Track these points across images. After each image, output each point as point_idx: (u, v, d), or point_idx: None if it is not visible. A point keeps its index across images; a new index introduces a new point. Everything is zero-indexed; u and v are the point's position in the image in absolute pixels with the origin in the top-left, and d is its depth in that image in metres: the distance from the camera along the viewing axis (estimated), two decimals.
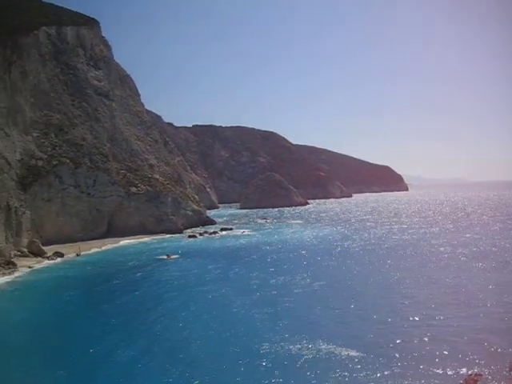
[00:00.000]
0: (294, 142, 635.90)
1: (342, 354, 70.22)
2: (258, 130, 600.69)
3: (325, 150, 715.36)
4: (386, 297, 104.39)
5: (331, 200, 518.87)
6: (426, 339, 74.26)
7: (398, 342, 73.65)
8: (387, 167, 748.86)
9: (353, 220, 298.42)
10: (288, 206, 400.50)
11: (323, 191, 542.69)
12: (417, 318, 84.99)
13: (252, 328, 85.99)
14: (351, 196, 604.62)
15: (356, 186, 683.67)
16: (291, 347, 74.41)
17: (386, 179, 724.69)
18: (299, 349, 73.57)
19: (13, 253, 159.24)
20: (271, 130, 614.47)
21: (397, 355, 68.10)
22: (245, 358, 70.77)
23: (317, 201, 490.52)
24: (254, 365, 68.16)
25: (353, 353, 70.21)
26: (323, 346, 73.95)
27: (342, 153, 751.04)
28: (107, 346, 79.68)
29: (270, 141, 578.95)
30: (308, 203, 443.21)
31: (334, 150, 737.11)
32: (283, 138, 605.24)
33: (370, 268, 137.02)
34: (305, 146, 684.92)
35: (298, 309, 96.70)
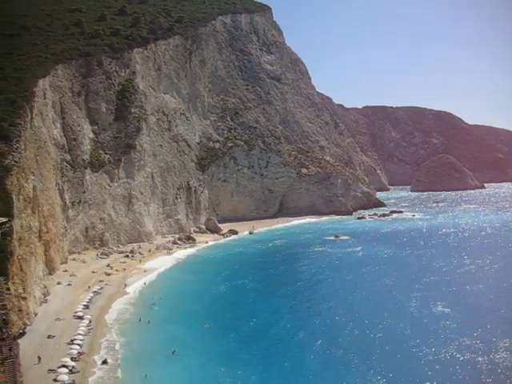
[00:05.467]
0: (471, 122, 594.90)
1: None
2: (431, 110, 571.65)
3: (504, 130, 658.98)
4: None
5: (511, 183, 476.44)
6: None
7: None
8: None
9: None
10: (462, 190, 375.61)
11: (501, 174, 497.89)
12: None
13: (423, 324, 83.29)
14: None
15: None
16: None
17: None
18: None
19: (192, 229, 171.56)
20: (445, 110, 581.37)
21: None
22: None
23: (494, 184, 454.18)
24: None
25: None
26: None
27: None
28: (277, 326, 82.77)
29: (444, 121, 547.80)
30: (484, 187, 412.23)
31: None
32: (458, 118, 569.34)
33: None
34: (482, 126, 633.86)
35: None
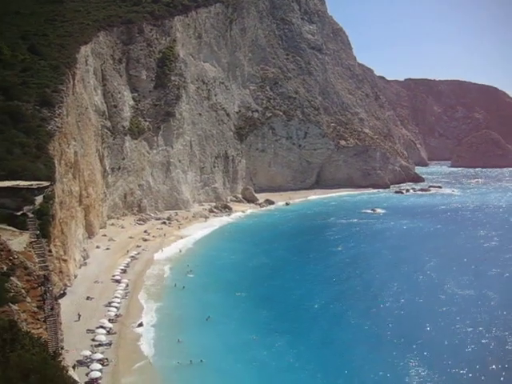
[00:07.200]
0: None
1: None
2: (475, 84, 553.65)
3: None
4: None
5: None
6: None
7: None
8: None
9: None
10: (504, 167, 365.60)
11: None
12: None
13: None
14: None
15: None
16: None
17: None
18: None
19: (229, 198, 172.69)
20: (490, 84, 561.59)
21: None
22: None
23: None
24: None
25: None
26: None
27: None
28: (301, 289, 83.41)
29: (489, 96, 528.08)
30: None
31: None
32: (503, 93, 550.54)
33: None
34: None
35: None
